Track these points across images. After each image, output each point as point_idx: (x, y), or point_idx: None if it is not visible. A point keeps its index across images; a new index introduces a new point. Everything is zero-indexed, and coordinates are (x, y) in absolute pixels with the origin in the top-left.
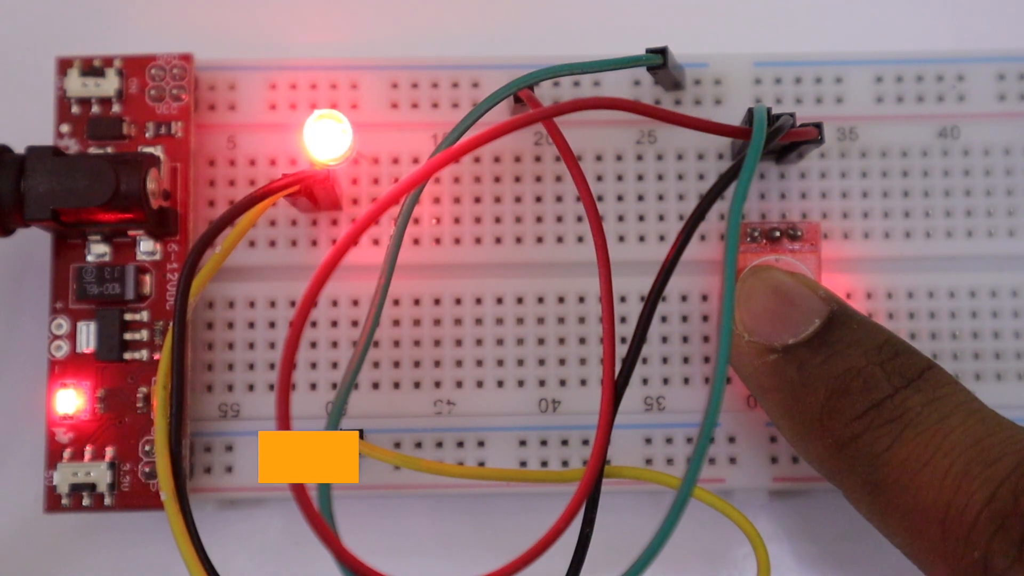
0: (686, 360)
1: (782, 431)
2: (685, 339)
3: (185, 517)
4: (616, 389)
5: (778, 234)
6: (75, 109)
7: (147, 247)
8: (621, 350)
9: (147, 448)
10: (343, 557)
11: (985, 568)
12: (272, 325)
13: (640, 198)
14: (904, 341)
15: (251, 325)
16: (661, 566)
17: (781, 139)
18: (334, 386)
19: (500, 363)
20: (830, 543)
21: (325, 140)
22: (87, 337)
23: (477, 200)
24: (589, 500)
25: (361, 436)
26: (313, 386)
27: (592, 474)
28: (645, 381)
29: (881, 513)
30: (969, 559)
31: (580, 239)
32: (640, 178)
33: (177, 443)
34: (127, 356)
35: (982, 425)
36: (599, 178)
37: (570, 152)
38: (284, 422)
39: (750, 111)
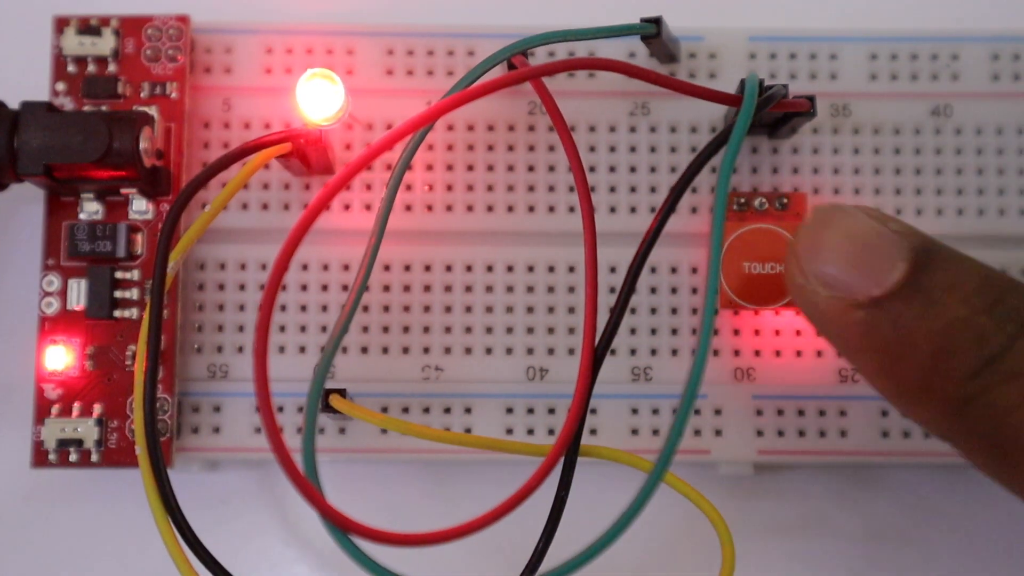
0: (674, 332)
1: (881, 392)
2: (674, 311)
3: (156, 472)
4: (596, 354)
5: (764, 204)
6: (71, 68)
7: (139, 206)
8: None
9: (134, 406)
10: (328, 514)
11: None
12: (263, 287)
13: (632, 169)
14: (1000, 274)
15: (241, 287)
16: (642, 530)
17: (773, 109)
18: (323, 349)
19: (489, 330)
20: (815, 516)
21: (318, 99)
22: (78, 294)
23: (470, 168)
24: (566, 463)
25: (344, 395)
26: (302, 349)
27: (566, 436)
28: (633, 352)
29: (1010, 475)
30: None
31: (571, 209)
32: (633, 149)
33: (151, 399)
34: (117, 314)
35: None
36: (592, 149)
37: (563, 121)
38: (262, 381)
39: (742, 81)
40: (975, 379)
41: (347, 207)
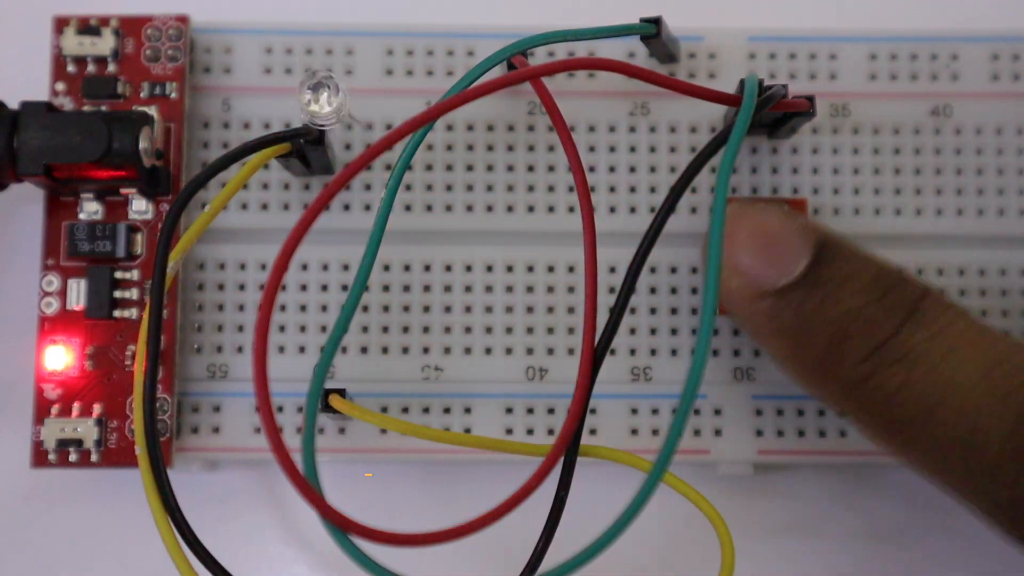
0: (674, 331)
1: (787, 373)
2: (674, 311)
3: (156, 472)
4: (596, 354)
5: None
6: (71, 68)
7: (139, 206)
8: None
9: (134, 406)
10: (328, 514)
11: (1017, 505)
12: (262, 287)
13: (632, 169)
14: (893, 268)
15: (241, 287)
16: (642, 530)
17: (772, 109)
18: (323, 349)
19: (489, 330)
20: (815, 516)
21: (318, 99)
22: (77, 294)
23: (470, 168)
24: (565, 463)
25: (343, 395)
26: (302, 349)
27: (566, 436)
28: (632, 352)
29: (900, 450)
30: (999, 497)
31: (571, 209)
32: (632, 150)
33: (151, 399)
34: (117, 314)
35: (987, 355)
36: (591, 149)
37: (562, 121)
38: (261, 381)
39: (742, 81)
40: (866, 362)
41: (347, 207)
